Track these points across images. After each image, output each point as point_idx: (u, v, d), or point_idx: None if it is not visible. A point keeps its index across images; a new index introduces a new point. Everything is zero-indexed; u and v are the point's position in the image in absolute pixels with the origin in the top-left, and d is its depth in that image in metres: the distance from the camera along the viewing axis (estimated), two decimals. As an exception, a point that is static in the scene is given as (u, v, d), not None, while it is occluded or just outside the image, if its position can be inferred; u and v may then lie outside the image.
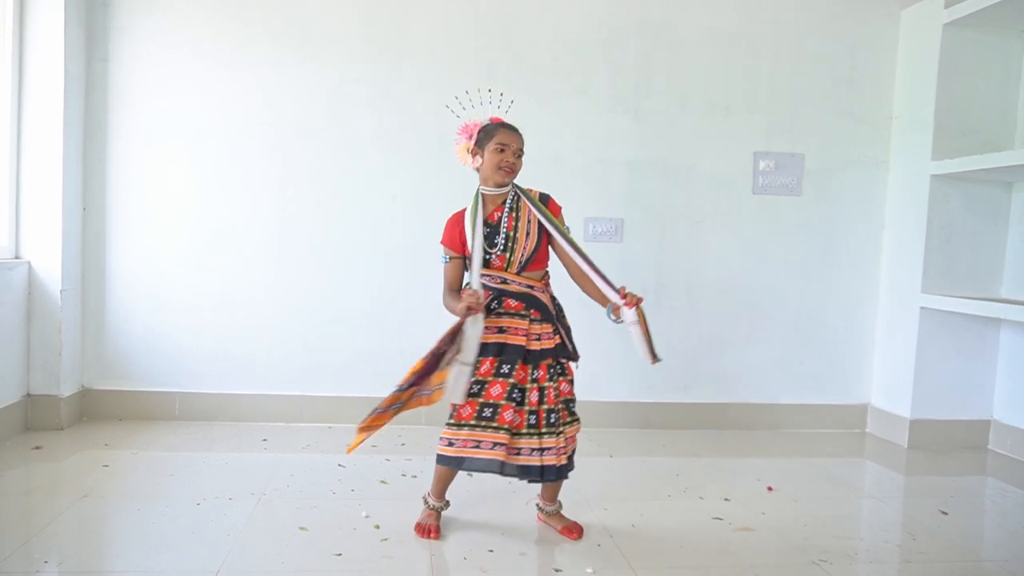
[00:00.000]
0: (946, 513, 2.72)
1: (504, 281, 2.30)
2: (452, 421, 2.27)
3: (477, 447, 2.23)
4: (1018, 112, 3.60)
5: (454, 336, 2.21)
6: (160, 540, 2.23)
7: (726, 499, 2.78)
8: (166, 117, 3.49)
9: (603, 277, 2.34)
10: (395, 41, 3.56)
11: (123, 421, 3.50)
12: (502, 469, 2.26)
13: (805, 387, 3.89)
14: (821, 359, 3.89)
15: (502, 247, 2.30)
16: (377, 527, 2.38)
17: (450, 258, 2.39)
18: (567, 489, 2.64)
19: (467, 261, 2.36)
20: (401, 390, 2.21)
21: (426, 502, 2.42)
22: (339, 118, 3.56)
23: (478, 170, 2.36)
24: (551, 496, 2.44)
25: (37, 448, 3.06)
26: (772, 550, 2.34)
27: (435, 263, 3.58)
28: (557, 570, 2.14)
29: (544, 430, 2.28)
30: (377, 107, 3.56)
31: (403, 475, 2.91)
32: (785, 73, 3.78)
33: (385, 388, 3.53)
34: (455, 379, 2.19)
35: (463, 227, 2.35)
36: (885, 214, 3.86)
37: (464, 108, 2.39)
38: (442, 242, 2.41)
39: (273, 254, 3.57)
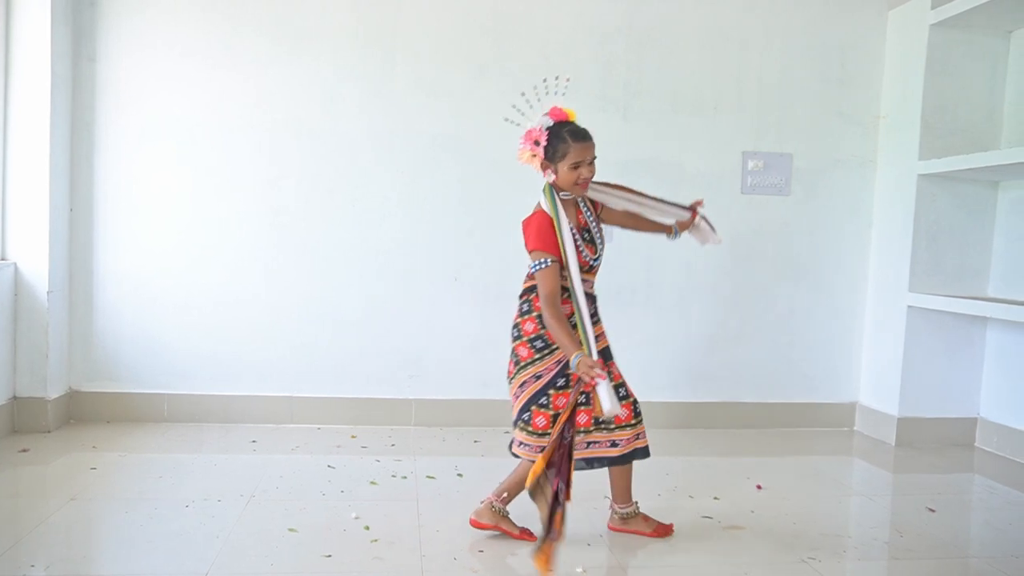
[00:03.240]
0: (933, 510, 2.74)
1: (592, 285, 2.34)
2: (539, 432, 2.26)
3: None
4: (1004, 112, 3.62)
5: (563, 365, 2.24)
6: (148, 543, 2.22)
7: (716, 498, 2.78)
8: (155, 117, 3.46)
9: (675, 204, 2.52)
10: (387, 41, 3.55)
11: (111, 423, 3.47)
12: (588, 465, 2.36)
13: (794, 386, 3.90)
14: (810, 358, 3.90)
15: (601, 253, 2.34)
16: (367, 528, 2.38)
17: (551, 262, 2.19)
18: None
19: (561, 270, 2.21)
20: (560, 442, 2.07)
21: (507, 517, 2.36)
22: (331, 118, 3.54)
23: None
24: (627, 495, 2.40)
25: (24, 451, 3.04)
26: (762, 548, 2.35)
27: (427, 263, 3.62)
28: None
29: (635, 421, 2.36)
30: (369, 107, 3.55)
31: (393, 476, 2.90)
32: (774, 73, 3.79)
33: (377, 390, 3.60)
34: (608, 396, 2.03)
35: (555, 231, 2.20)
36: (873, 213, 3.88)
37: (523, 113, 2.29)
38: (538, 247, 2.20)
39: (264, 254, 3.55)
